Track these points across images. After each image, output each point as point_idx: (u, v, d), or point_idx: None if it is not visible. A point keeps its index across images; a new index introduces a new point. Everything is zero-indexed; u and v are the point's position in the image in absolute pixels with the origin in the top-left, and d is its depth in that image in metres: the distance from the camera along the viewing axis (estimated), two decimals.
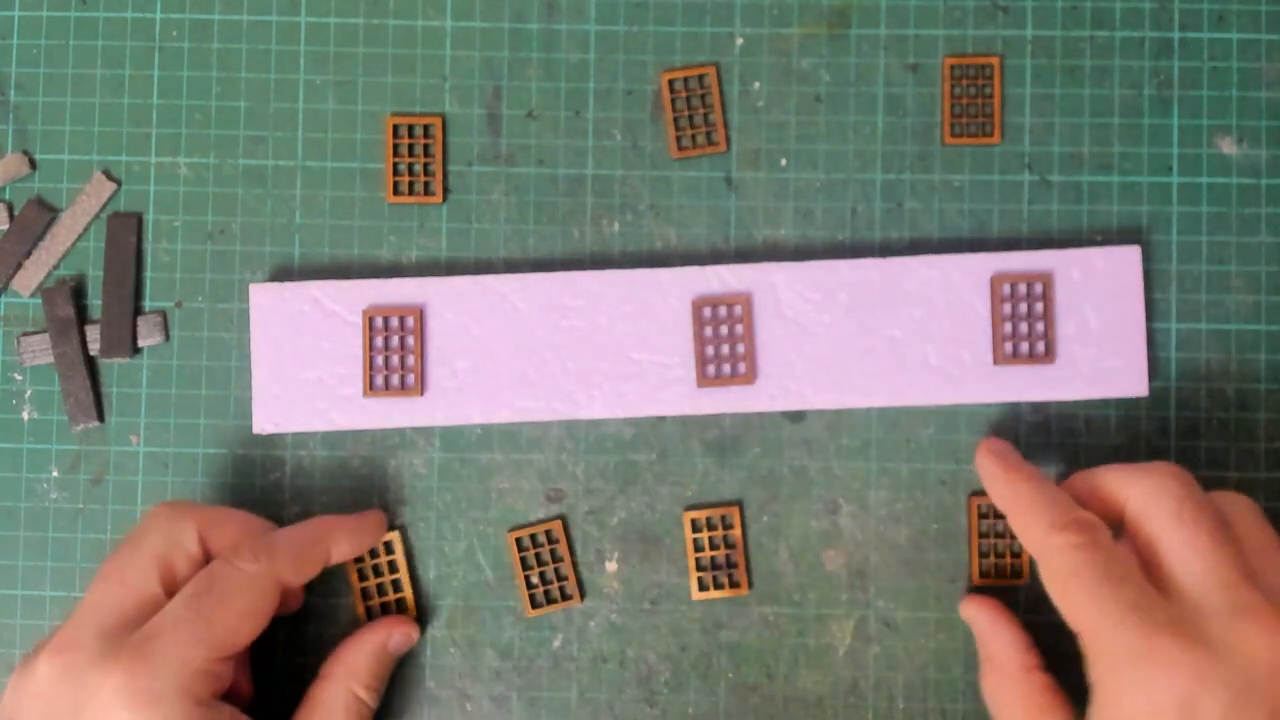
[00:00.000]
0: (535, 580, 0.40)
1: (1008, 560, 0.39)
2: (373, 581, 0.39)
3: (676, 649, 0.40)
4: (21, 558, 0.40)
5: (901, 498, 0.40)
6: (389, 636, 0.38)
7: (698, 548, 0.39)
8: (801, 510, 0.40)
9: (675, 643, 0.40)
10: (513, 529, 0.40)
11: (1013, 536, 0.39)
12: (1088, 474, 0.35)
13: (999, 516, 0.39)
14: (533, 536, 0.40)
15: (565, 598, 0.39)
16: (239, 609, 0.34)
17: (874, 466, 0.40)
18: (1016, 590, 0.39)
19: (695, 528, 0.39)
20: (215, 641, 0.33)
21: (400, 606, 0.39)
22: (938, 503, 0.40)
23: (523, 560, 0.40)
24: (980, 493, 0.39)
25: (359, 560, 0.39)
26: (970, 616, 0.38)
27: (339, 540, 0.37)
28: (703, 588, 0.39)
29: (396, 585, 0.39)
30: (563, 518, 0.40)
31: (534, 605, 0.40)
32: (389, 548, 0.39)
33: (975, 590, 0.39)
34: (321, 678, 0.37)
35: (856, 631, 0.39)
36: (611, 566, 0.40)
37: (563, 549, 0.39)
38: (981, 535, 0.39)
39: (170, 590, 0.34)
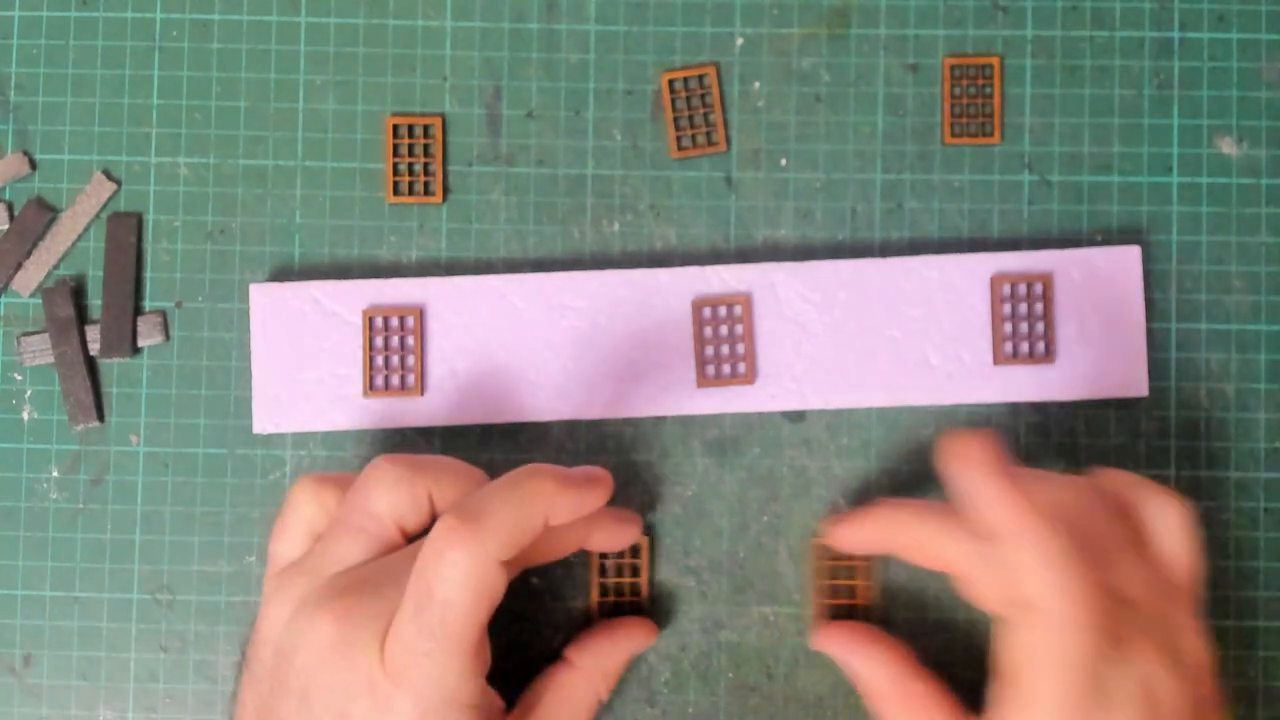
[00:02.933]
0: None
1: (857, 602, 0.39)
2: (612, 579, 0.39)
3: (676, 649, 0.40)
4: (21, 558, 0.40)
5: (901, 498, 0.40)
6: (637, 644, 0.37)
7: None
8: (801, 510, 0.40)
9: (675, 643, 0.40)
10: None
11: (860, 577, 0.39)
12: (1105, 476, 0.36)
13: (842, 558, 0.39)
14: None
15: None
16: (467, 608, 0.31)
17: (874, 466, 0.40)
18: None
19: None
20: (459, 649, 0.31)
21: (635, 608, 0.39)
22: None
23: None
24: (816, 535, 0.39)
25: (603, 555, 0.39)
26: (832, 651, 0.38)
27: (558, 505, 0.33)
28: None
29: (635, 589, 0.39)
30: None
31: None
32: (634, 551, 0.39)
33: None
34: (569, 665, 0.36)
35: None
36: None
37: None
38: (828, 576, 0.39)
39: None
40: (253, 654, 0.34)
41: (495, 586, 0.31)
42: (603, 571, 0.39)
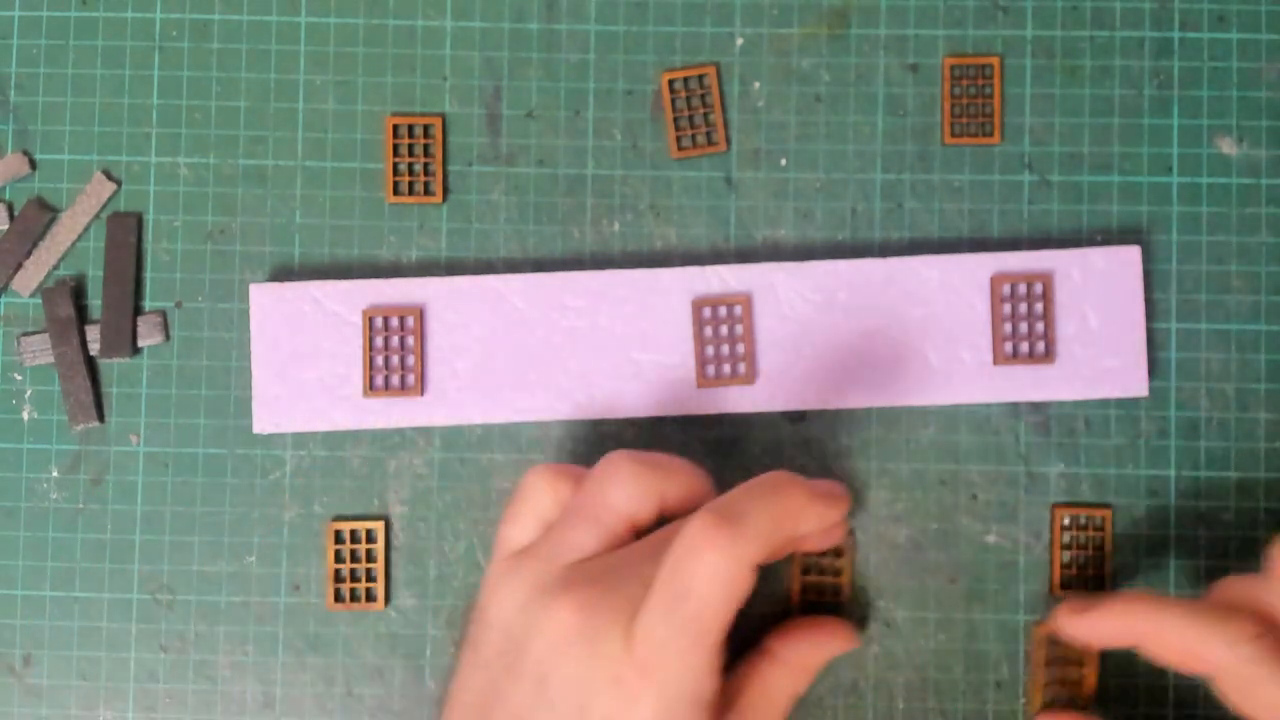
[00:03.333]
0: None
1: (1080, 692, 0.38)
2: (814, 578, 0.39)
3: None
4: (21, 558, 0.40)
5: (901, 498, 0.40)
6: (841, 645, 0.37)
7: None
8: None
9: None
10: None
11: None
12: (1230, 586, 0.35)
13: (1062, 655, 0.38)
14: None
15: None
16: (718, 608, 0.31)
17: (874, 466, 0.40)
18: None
19: None
20: (707, 647, 0.31)
21: (370, 595, 0.39)
22: (938, 503, 0.40)
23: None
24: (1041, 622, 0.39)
25: (339, 541, 0.39)
26: None
27: (807, 514, 0.33)
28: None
29: (371, 574, 0.39)
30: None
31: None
32: (371, 535, 0.39)
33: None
34: (771, 657, 0.36)
35: (856, 632, 0.39)
36: None
37: None
38: (1049, 664, 0.38)
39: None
40: (479, 636, 0.33)
41: (745, 589, 0.31)
42: (805, 570, 0.39)
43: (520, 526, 0.35)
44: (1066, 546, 0.39)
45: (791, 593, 0.39)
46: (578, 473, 0.35)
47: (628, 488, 0.34)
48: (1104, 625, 0.35)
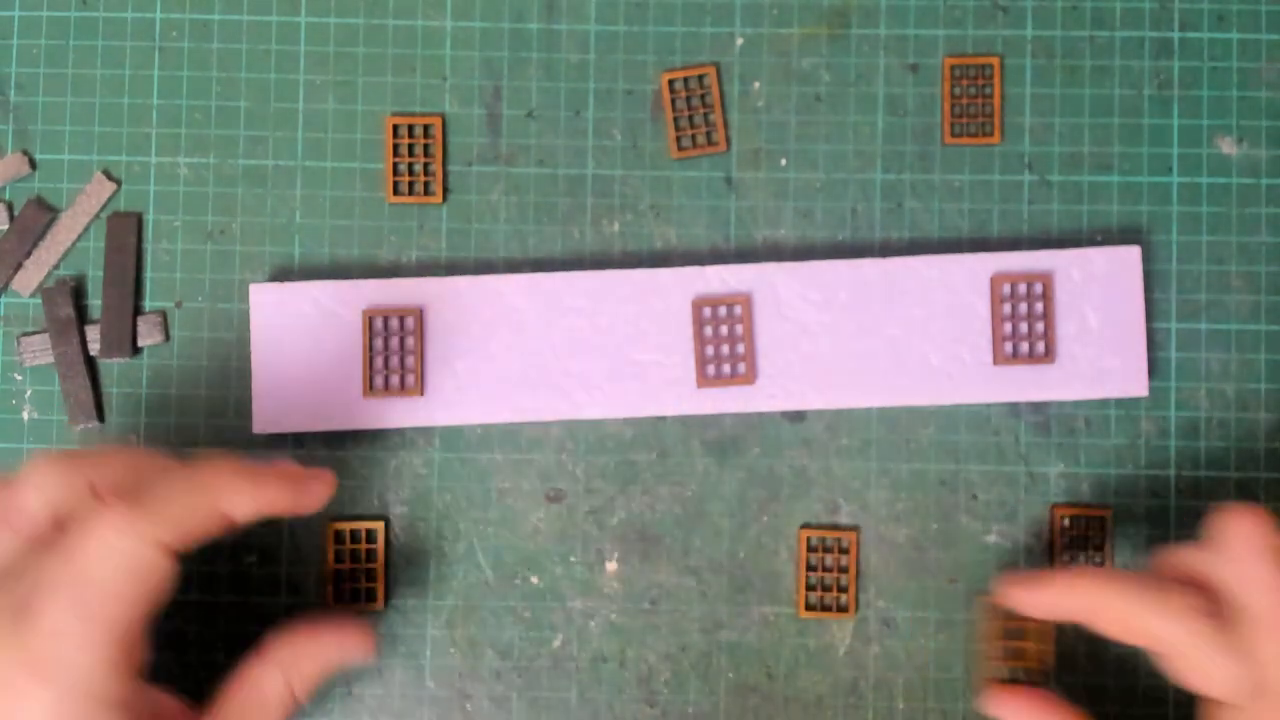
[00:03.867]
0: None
1: (1031, 664, 0.38)
2: (348, 565, 0.39)
3: (676, 649, 0.40)
4: None
5: (901, 498, 0.40)
6: (347, 653, 0.34)
7: (810, 567, 0.39)
8: (801, 510, 0.40)
9: (675, 643, 0.40)
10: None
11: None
12: (1171, 558, 0.35)
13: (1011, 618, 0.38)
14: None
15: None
16: (122, 592, 0.29)
17: (874, 466, 0.40)
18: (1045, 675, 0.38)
19: (811, 546, 0.39)
20: (109, 635, 0.29)
21: (370, 595, 0.39)
22: (938, 503, 0.40)
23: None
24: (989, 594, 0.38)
25: (339, 541, 0.39)
26: (1002, 717, 0.37)
27: (236, 495, 0.32)
28: (810, 607, 0.39)
29: (371, 575, 0.39)
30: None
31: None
32: (370, 535, 0.39)
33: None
34: (263, 660, 0.34)
35: (856, 631, 0.39)
36: (611, 566, 0.40)
37: None
38: (998, 637, 0.38)
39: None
40: None
41: (155, 573, 0.30)
42: (339, 558, 0.39)
43: None
44: (1066, 546, 0.39)
45: (326, 574, 0.39)
46: (2, 476, 0.33)
47: (42, 488, 0.32)
48: (1050, 599, 0.35)
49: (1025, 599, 0.36)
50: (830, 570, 0.39)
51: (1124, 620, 0.34)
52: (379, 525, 0.39)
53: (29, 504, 0.32)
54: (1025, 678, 0.38)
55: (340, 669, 0.35)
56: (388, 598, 0.40)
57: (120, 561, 0.30)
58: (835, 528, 0.40)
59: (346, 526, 0.39)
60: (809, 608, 0.39)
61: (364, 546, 0.39)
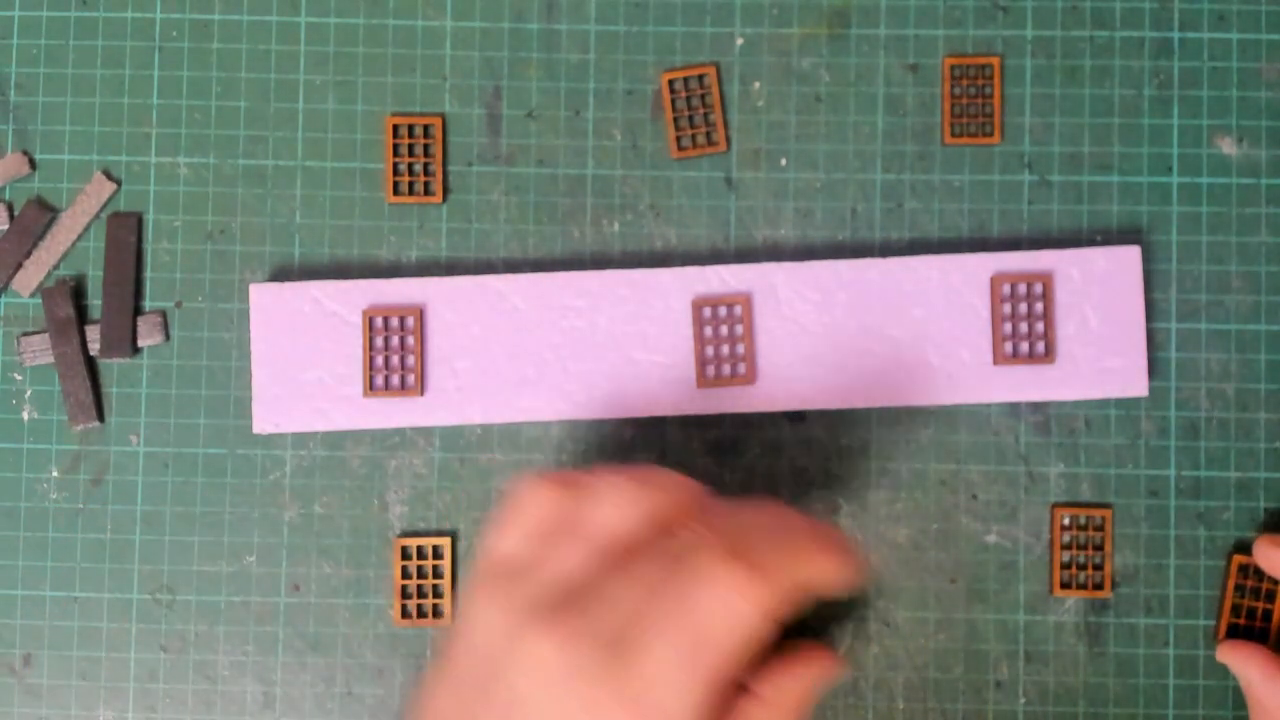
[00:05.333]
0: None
1: (1257, 623, 0.39)
2: (415, 580, 0.39)
3: None
4: (21, 558, 0.40)
5: (901, 498, 0.40)
6: (825, 677, 0.33)
7: None
8: (801, 510, 0.40)
9: None
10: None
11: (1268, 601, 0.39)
12: None
13: (1260, 578, 0.39)
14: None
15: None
16: (734, 656, 0.29)
17: (874, 466, 0.40)
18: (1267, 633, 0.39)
19: None
20: (710, 693, 0.29)
21: (437, 612, 0.39)
22: (938, 503, 0.40)
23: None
24: (1243, 550, 0.39)
25: (405, 556, 0.39)
26: (1235, 665, 0.38)
27: (827, 569, 0.31)
28: None
29: (438, 590, 0.39)
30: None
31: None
32: (438, 551, 0.39)
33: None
34: (756, 700, 0.32)
35: (856, 631, 0.39)
36: None
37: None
38: (1237, 594, 0.39)
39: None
40: (455, 653, 0.32)
41: (759, 639, 0.30)
42: (405, 573, 0.39)
43: (508, 539, 0.33)
44: (1066, 546, 0.39)
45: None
46: (571, 480, 0.33)
47: (621, 507, 0.32)
48: None
49: (1273, 559, 0.37)
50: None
51: None
52: (445, 541, 0.39)
53: (609, 522, 0.31)
54: (1260, 635, 0.39)
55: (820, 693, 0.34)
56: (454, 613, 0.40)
57: (738, 626, 0.29)
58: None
59: (414, 542, 0.39)
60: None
61: (430, 562, 0.39)
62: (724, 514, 0.32)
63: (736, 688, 0.32)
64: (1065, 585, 0.39)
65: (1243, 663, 0.38)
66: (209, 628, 0.40)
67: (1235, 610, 0.39)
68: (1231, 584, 0.39)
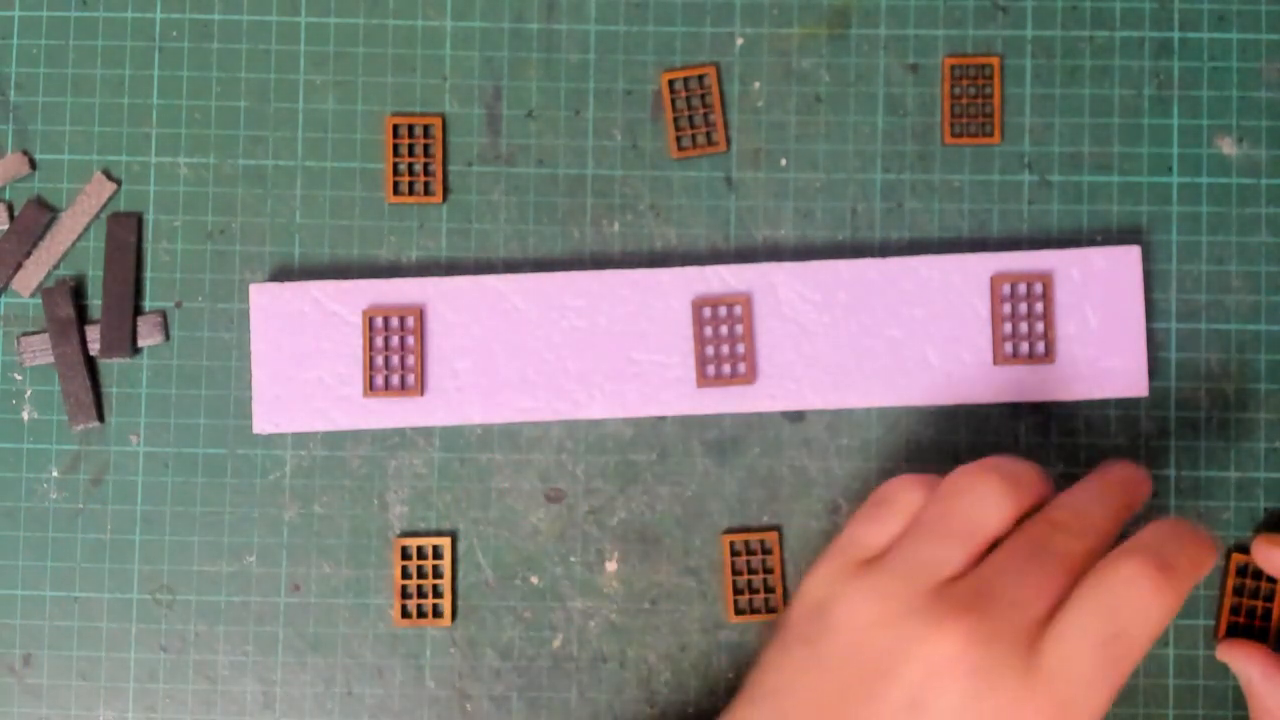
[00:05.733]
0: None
1: (1256, 622, 0.39)
2: (415, 580, 0.39)
3: (676, 649, 0.40)
4: (21, 558, 0.40)
5: None
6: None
7: (735, 571, 0.39)
8: (801, 510, 0.40)
9: (675, 643, 0.40)
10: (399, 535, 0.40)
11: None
12: None
13: (1258, 577, 0.39)
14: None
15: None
16: (1141, 658, 0.30)
17: (874, 466, 0.40)
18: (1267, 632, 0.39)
19: (734, 550, 0.39)
20: (1115, 698, 0.30)
21: (437, 611, 0.39)
22: None
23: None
24: (1242, 549, 0.39)
25: (405, 556, 0.39)
26: (1235, 664, 0.38)
27: (1209, 563, 0.32)
28: (739, 611, 0.39)
29: (438, 590, 0.39)
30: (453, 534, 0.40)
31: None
32: (438, 551, 0.39)
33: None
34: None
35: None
36: (611, 566, 0.40)
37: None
38: (1235, 593, 0.39)
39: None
40: (817, 634, 0.32)
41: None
42: (404, 574, 0.39)
43: (875, 530, 0.33)
44: None
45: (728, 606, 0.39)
46: (936, 481, 0.34)
47: (1000, 505, 0.32)
48: None
49: (1272, 558, 0.37)
50: (757, 573, 0.39)
51: None
52: (445, 541, 0.39)
53: (984, 518, 0.32)
54: (1259, 634, 0.39)
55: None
56: (454, 613, 0.39)
57: (1155, 630, 0.30)
58: (751, 529, 0.40)
59: (414, 542, 0.39)
60: (738, 611, 0.39)
61: (430, 562, 0.39)
62: (1079, 507, 0.33)
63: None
64: None
65: (1243, 661, 0.38)
66: (209, 628, 0.40)
67: (1234, 609, 0.39)
68: (1230, 583, 0.39)
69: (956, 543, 0.32)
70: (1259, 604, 0.39)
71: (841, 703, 0.30)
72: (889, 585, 0.31)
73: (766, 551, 0.39)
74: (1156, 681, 0.39)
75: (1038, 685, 0.29)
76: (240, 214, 0.40)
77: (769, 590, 0.39)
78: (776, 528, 0.40)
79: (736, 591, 0.39)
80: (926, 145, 0.40)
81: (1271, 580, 0.39)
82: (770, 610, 0.39)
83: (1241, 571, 0.39)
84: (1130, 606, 0.30)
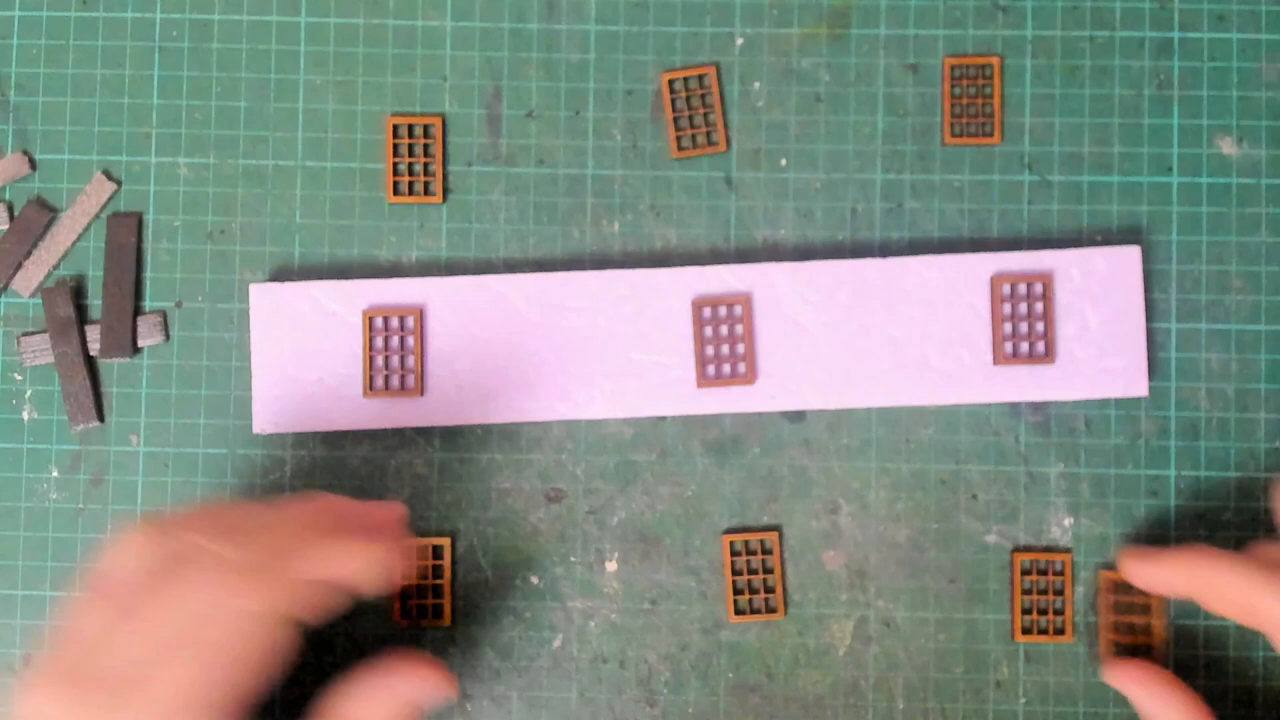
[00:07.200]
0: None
1: (1050, 617, 0.39)
2: (414, 581, 0.39)
3: (676, 649, 0.40)
4: (21, 558, 0.40)
5: (901, 498, 0.40)
6: (428, 692, 0.33)
7: (735, 571, 0.39)
8: (801, 510, 0.40)
9: (675, 643, 0.40)
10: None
11: (1056, 593, 0.39)
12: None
13: (1041, 573, 0.39)
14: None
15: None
16: (244, 663, 0.29)
17: (874, 466, 0.40)
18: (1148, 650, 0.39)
19: (734, 550, 0.39)
20: (223, 707, 0.29)
21: (436, 612, 0.39)
22: (938, 503, 0.40)
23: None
24: (1024, 549, 0.39)
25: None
26: (1124, 687, 0.38)
27: (364, 573, 0.31)
28: (739, 611, 0.39)
29: (438, 591, 0.39)
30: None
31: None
32: (437, 551, 0.39)
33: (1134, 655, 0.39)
34: (341, 708, 0.32)
35: (856, 631, 0.39)
36: (611, 566, 0.40)
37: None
38: (1024, 592, 0.39)
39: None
40: None
41: (279, 650, 0.30)
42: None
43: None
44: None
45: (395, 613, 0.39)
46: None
47: (135, 554, 0.31)
48: (1164, 574, 0.36)
49: (1140, 573, 0.37)
50: (757, 573, 0.39)
51: (1236, 600, 0.35)
52: (445, 541, 0.39)
53: (121, 570, 0.31)
54: (1143, 651, 0.39)
55: (419, 711, 0.34)
56: (454, 616, 0.39)
57: (228, 623, 0.29)
58: (751, 529, 0.40)
59: (414, 542, 0.39)
60: (738, 611, 0.39)
61: (430, 563, 0.39)
62: (235, 522, 0.31)
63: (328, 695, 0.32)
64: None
65: (1130, 683, 0.37)
66: None
67: (1117, 627, 0.39)
68: (1104, 602, 0.39)
69: (98, 607, 0.31)
70: (1142, 620, 0.39)
71: None
72: (41, 672, 0.30)
73: (766, 551, 0.39)
74: (1275, 658, 0.39)
75: (126, 715, 0.28)
76: (240, 214, 0.40)
77: (769, 590, 0.39)
78: (777, 528, 0.40)
79: (736, 591, 0.39)
80: (926, 145, 0.40)
81: (1145, 595, 0.39)
82: (770, 610, 0.39)
83: (1122, 589, 0.39)
84: (193, 607, 0.29)
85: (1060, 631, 0.39)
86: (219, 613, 0.29)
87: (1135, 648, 0.39)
